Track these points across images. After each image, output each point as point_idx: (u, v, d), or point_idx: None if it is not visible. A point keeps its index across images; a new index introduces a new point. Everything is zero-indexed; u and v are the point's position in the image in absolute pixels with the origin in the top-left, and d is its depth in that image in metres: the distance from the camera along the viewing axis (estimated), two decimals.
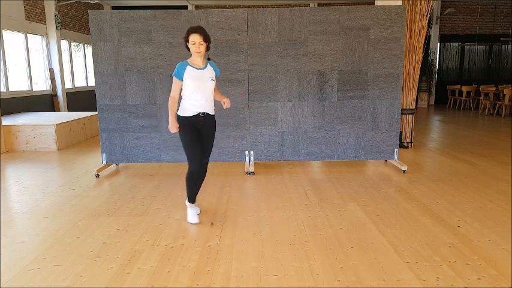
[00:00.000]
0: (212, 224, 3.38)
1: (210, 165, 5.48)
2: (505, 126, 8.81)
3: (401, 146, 6.49)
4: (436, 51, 14.05)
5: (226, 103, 3.40)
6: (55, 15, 9.95)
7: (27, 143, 6.65)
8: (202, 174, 3.34)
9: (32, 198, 4.14)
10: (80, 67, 12.12)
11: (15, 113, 8.40)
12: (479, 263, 2.65)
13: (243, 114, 5.10)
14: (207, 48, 3.26)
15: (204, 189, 4.36)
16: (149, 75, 4.99)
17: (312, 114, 5.12)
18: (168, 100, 3.76)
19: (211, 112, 3.39)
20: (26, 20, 9.16)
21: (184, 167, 5.41)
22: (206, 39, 3.19)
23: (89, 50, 12.44)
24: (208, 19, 4.91)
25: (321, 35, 4.95)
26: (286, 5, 13.63)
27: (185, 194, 4.21)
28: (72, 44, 11.51)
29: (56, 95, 10.23)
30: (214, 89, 3.40)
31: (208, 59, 3.49)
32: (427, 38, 12.23)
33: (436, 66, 14.19)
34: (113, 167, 5.47)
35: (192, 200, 3.41)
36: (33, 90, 9.42)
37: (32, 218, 3.57)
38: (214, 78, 3.34)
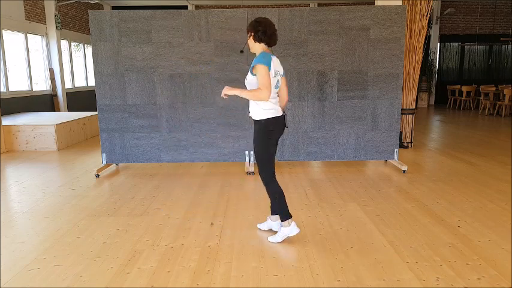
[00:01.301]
0: (212, 224, 3.38)
1: (210, 165, 5.49)
2: (505, 126, 8.81)
3: (401, 146, 6.49)
4: (436, 51, 14.05)
5: (223, 91, 2.87)
6: (55, 15, 9.95)
7: (27, 143, 6.65)
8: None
9: (32, 198, 4.14)
10: (80, 67, 12.12)
11: (15, 113, 8.40)
12: (479, 263, 2.65)
13: (243, 114, 5.10)
14: (255, 38, 2.83)
15: (204, 189, 4.36)
16: (149, 75, 4.99)
17: (312, 114, 5.12)
18: None
19: (254, 116, 2.91)
20: (26, 20, 9.16)
21: (183, 167, 5.42)
22: (249, 29, 2.84)
23: (89, 50, 12.44)
24: (208, 19, 4.91)
25: (321, 35, 4.95)
26: (286, 5, 13.63)
27: (186, 193, 4.22)
28: (72, 44, 11.51)
29: (56, 95, 10.23)
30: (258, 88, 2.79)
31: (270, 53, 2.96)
32: (427, 38, 12.23)
33: (436, 66, 14.18)
34: (113, 167, 5.47)
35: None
36: (33, 90, 9.41)
37: (32, 218, 3.57)
38: (251, 74, 2.85)
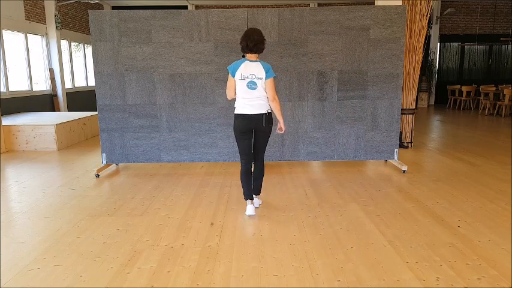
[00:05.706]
0: (212, 224, 3.38)
1: (210, 165, 5.49)
2: (505, 126, 8.81)
3: (401, 146, 6.49)
4: (436, 51, 14.05)
5: None
6: (55, 15, 9.95)
7: (27, 143, 6.65)
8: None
9: (32, 198, 4.14)
10: (80, 67, 12.11)
11: (15, 113, 8.40)
12: (479, 263, 2.65)
13: None
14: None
15: (204, 189, 4.36)
16: (149, 75, 4.99)
17: (312, 114, 5.12)
18: None
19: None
20: (26, 20, 9.15)
21: (183, 167, 5.42)
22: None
23: (89, 50, 12.44)
24: (208, 19, 4.91)
25: (321, 35, 4.95)
26: (286, 5, 13.63)
27: (186, 193, 4.22)
28: (72, 44, 11.50)
29: (56, 95, 10.22)
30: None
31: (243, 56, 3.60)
32: (427, 38, 12.23)
33: (436, 66, 14.18)
34: (113, 167, 5.47)
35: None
36: (33, 90, 9.41)
37: (32, 218, 3.57)
38: None
